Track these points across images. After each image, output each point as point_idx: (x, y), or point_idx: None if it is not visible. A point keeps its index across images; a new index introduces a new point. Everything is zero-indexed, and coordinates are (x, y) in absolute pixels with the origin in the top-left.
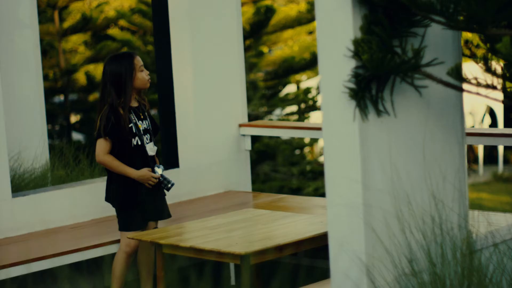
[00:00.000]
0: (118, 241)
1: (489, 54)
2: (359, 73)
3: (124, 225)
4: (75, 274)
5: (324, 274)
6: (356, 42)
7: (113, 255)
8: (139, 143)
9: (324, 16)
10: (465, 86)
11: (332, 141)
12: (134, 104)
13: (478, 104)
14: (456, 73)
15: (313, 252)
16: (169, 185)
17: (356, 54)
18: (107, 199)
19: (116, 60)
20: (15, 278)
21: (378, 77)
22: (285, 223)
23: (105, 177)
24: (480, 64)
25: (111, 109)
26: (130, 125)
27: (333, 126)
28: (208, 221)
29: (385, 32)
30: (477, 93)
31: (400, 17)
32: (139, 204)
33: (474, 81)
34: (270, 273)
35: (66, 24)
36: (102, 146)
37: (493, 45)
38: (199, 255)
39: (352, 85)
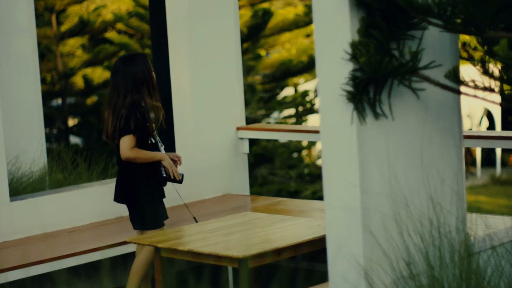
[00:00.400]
0: (116, 244)
1: (487, 57)
2: (357, 76)
3: (146, 224)
4: (73, 278)
5: (322, 277)
6: (353, 45)
7: (111, 259)
8: (153, 141)
9: (322, 19)
10: (462, 88)
11: (330, 144)
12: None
13: (476, 107)
14: (454, 75)
15: (312, 256)
16: (181, 177)
17: (354, 57)
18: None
19: (139, 60)
20: (13, 282)
21: (375, 80)
22: (283, 226)
23: (103, 181)
24: (477, 67)
25: (138, 108)
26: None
27: (331, 129)
28: (206, 224)
29: (383, 35)
30: (475, 96)
31: (398, 20)
32: (139, 204)
33: (471, 84)
34: (268, 276)
35: (64, 28)
36: (128, 143)
37: (491, 48)
38: (197, 259)
39: (349, 88)
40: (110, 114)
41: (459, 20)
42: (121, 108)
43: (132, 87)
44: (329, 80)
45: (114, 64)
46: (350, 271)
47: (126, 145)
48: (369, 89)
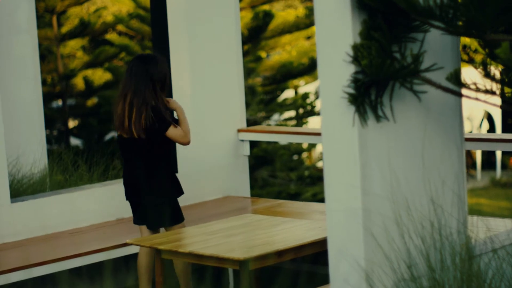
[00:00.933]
0: (117, 246)
1: (488, 59)
2: (359, 78)
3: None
4: (75, 279)
5: (324, 279)
6: (355, 48)
7: (113, 260)
8: None
9: (324, 21)
10: (464, 91)
11: (332, 146)
12: None
13: (476, 109)
14: (455, 78)
15: (313, 258)
16: None
17: (356, 60)
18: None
19: (160, 61)
20: (15, 283)
21: (377, 82)
22: (284, 228)
23: (104, 183)
24: (479, 70)
25: (159, 106)
26: None
27: (333, 131)
28: (207, 226)
29: (385, 37)
30: (476, 99)
31: (399, 22)
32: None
33: (473, 87)
34: (270, 279)
35: (64, 29)
36: (177, 131)
37: (492, 51)
38: (199, 261)
39: (351, 91)
40: (125, 109)
41: (460, 23)
42: (140, 105)
43: (149, 85)
44: (331, 83)
45: (132, 61)
46: (352, 274)
47: (179, 134)
48: (370, 91)
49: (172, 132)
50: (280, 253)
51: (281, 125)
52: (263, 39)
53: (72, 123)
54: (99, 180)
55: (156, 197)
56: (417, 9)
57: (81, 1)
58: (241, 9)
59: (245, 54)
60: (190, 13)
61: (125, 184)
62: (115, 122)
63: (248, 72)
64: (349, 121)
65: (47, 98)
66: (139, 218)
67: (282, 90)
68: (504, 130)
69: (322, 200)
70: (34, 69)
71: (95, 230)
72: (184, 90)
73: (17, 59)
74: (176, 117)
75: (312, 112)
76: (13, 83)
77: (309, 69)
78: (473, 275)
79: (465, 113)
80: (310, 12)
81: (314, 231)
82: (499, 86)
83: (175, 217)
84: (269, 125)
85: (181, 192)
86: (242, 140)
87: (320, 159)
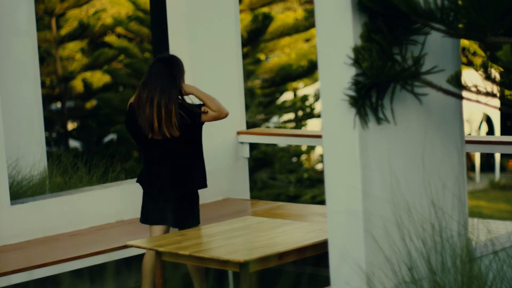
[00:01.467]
0: (117, 248)
1: (489, 62)
2: (359, 80)
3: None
4: (75, 281)
5: (325, 281)
6: (356, 50)
7: (115, 262)
8: None
9: (324, 24)
10: (465, 93)
11: (332, 148)
12: None
13: (475, 112)
14: (456, 80)
15: (315, 260)
16: None
17: (356, 62)
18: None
19: (178, 61)
20: (16, 285)
21: (378, 84)
22: (285, 230)
23: (103, 185)
24: (480, 72)
25: (184, 102)
26: None
27: (333, 133)
28: (208, 228)
29: (385, 40)
30: (477, 101)
31: (400, 25)
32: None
33: (474, 89)
34: (271, 281)
35: (63, 31)
36: (210, 113)
37: (493, 53)
38: (199, 263)
39: (352, 93)
40: (153, 111)
41: (461, 25)
42: (167, 104)
43: (174, 85)
44: (332, 85)
45: (154, 64)
46: (353, 276)
47: (212, 115)
48: (371, 94)
49: (206, 117)
50: (281, 255)
51: (280, 127)
52: (262, 41)
53: (71, 125)
54: (98, 182)
55: (183, 192)
56: (418, 12)
57: (80, 3)
58: (241, 11)
59: (244, 56)
60: (190, 15)
61: (149, 183)
62: (144, 127)
63: (248, 75)
64: (349, 123)
65: (46, 100)
66: (155, 216)
67: (281, 93)
68: (503, 133)
69: (321, 202)
70: (34, 70)
71: (95, 232)
72: None
73: (16, 61)
74: (196, 102)
75: (311, 115)
76: (13, 84)
77: (308, 71)
78: (474, 277)
79: (464, 115)
80: (309, 14)
81: (315, 233)
82: (499, 88)
83: (193, 219)
84: (268, 127)
85: (194, 187)
86: (242, 142)
87: (319, 161)
